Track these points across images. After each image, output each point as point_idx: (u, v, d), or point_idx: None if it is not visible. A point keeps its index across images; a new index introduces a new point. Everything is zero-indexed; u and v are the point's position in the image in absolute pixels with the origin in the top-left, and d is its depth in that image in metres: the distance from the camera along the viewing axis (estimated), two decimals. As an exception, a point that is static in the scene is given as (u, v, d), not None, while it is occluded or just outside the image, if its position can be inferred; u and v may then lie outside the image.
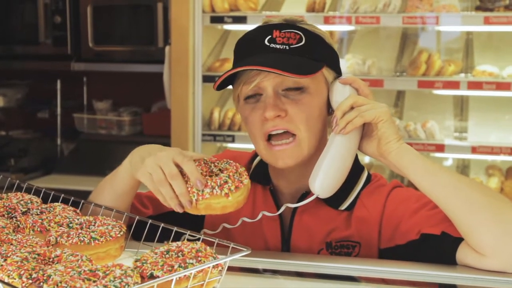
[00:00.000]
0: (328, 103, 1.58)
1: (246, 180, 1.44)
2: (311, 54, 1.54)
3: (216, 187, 1.39)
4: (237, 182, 1.41)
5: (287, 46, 1.52)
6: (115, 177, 1.58)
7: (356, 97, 1.51)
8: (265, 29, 1.56)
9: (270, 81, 1.52)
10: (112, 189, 1.59)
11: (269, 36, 1.53)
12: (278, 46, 1.52)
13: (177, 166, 1.41)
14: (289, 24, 1.56)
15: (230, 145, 3.69)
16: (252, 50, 1.55)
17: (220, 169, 1.46)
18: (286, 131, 1.53)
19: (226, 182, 1.40)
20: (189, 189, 1.40)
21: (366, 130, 1.53)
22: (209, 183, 1.40)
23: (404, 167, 1.47)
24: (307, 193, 1.59)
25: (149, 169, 1.43)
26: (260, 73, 1.51)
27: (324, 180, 1.50)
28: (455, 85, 3.38)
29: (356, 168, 1.61)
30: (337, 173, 1.51)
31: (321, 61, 1.55)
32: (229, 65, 3.67)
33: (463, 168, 3.66)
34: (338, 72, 1.61)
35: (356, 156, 1.59)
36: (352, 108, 1.49)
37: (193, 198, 1.39)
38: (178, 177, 1.40)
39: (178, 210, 1.41)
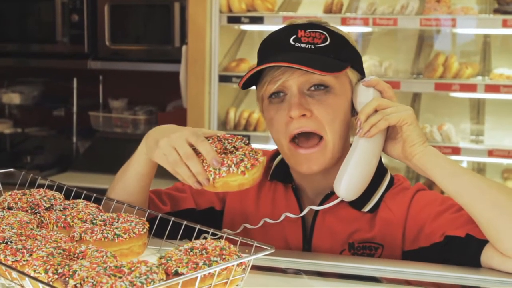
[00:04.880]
0: (352, 105, 1.57)
1: (262, 158, 1.45)
2: (336, 54, 1.53)
3: (233, 166, 1.40)
4: (253, 160, 1.42)
5: (312, 46, 1.51)
6: (132, 161, 1.59)
7: (380, 99, 1.49)
8: (290, 28, 1.55)
9: (295, 80, 1.51)
10: (130, 172, 1.59)
11: (294, 36, 1.53)
12: (303, 45, 1.51)
13: (191, 146, 1.42)
14: (314, 24, 1.55)
15: (245, 145, 3.68)
16: (277, 49, 1.54)
17: (234, 147, 1.47)
18: (312, 132, 1.52)
19: (242, 160, 1.41)
20: (205, 167, 1.40)
21: (390, 133, 1.52)
22: (225, 162, 1.40)
23: (429, 169, 1.46)
24: (332, 193, 1.59)
25: (164, 151, 1.43)
26: (285, 72, 1.51)
27: (349, 183, 1.50)
28: (472, 88, 3.37)
29: (380, 170, 1.60)
30: (362, 176, 1.51)
31: (345, 61, 1.54)
32: (245, 65, 3.67)
33: (478, 171, 3.63)
34: (361, 74, 1.60)
35: (380, 158, 1.58)
36: (376, 111, 1.48)
37: (210, 177, 1.40)
38: (193, 157, 1.40)
39: (197, 187, 1.42)
